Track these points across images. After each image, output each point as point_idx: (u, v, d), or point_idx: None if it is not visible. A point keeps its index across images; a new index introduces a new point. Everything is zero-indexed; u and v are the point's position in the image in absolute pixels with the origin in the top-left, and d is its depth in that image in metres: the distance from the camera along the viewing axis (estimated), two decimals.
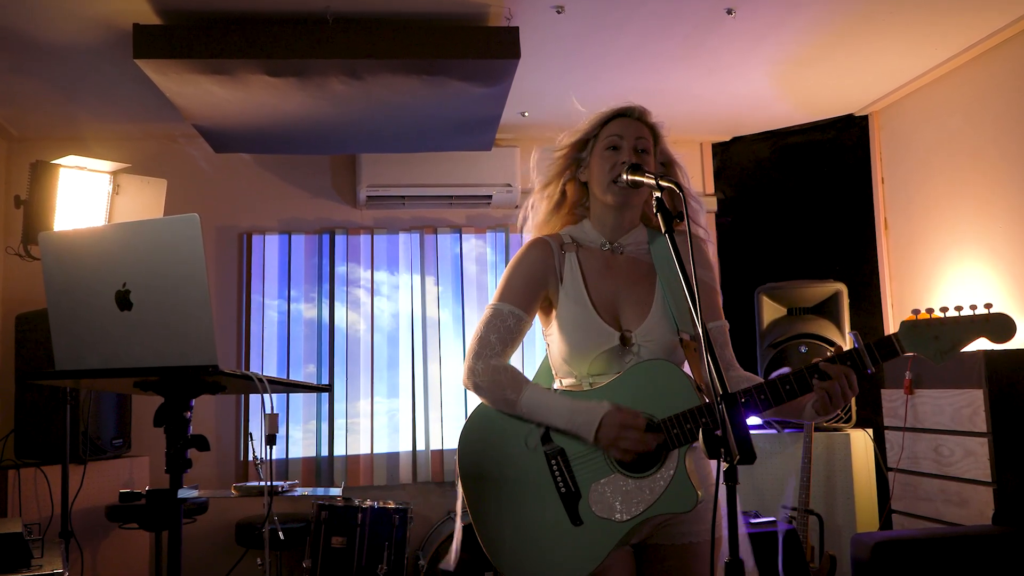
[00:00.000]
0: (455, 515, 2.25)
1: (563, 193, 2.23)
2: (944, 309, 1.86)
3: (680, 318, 2.08)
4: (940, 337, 1.84)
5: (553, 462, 2.03)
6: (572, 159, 2.20)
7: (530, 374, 2.27)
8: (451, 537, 2.14)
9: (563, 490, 2.01)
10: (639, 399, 1.98)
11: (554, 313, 2.15)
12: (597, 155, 2.14)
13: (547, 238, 2.19)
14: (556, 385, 2.19)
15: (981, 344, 1.86)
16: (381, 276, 5.47)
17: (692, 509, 1.92)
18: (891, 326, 5.01)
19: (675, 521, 2.03)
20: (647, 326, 2.07)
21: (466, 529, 2.21)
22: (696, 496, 1.90)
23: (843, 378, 1.84)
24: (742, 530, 2.07)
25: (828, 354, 1.90)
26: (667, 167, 2.19)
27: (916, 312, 1.88)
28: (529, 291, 2.14)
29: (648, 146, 2.12)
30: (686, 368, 2.04)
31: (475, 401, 2.17)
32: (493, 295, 2.17)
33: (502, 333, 2.11)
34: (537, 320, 2.23)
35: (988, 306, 1.83)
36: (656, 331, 2.06)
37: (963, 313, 1.84)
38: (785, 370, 1.93)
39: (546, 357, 2.26)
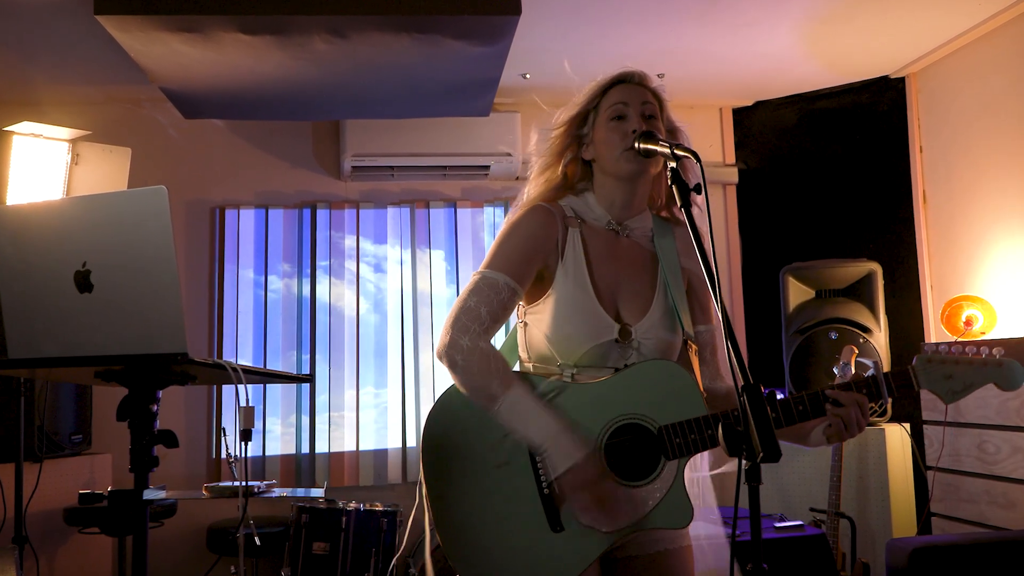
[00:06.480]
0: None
1: (564, 176, 2.19)
2: (961, 348, 1.96)
3: (683, 316, 2.08)
4: (953, 377, 1.94)
5: (539, 458, 1.98)
6: (572, 137, 2.17)
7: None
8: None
9: (546, 491, 1.97)
10: (638, 401, 1.97)
11: (548, 291, 2.10)
12: (602, 127, 2.11)
13: (549, 206, 2.14)
14: (527, 368, 2.14)
15: None
16: (368, 255, 5.47)
17: (687, 526, 1.94)
18: (930, 310, 5.01)
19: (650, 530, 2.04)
20: (649, 321, 2.06)
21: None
22: (692, 513, 1.92)
23: (855, 406, 1.89)
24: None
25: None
26: (672, 135, 2.17)
27: (933, 347, 1.93)
28: (527, 263, 2.08)
29: (655, 111, 2.11)
30: None
31: None
32: (483, 261, 2.10)
33: (494, 307, 2.03)
34: None
35: (997, 350, 1.94)
36: (658, 328, 2.06)
37: (977, 356, 1.95)
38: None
39: (511, 335, 2.23)
